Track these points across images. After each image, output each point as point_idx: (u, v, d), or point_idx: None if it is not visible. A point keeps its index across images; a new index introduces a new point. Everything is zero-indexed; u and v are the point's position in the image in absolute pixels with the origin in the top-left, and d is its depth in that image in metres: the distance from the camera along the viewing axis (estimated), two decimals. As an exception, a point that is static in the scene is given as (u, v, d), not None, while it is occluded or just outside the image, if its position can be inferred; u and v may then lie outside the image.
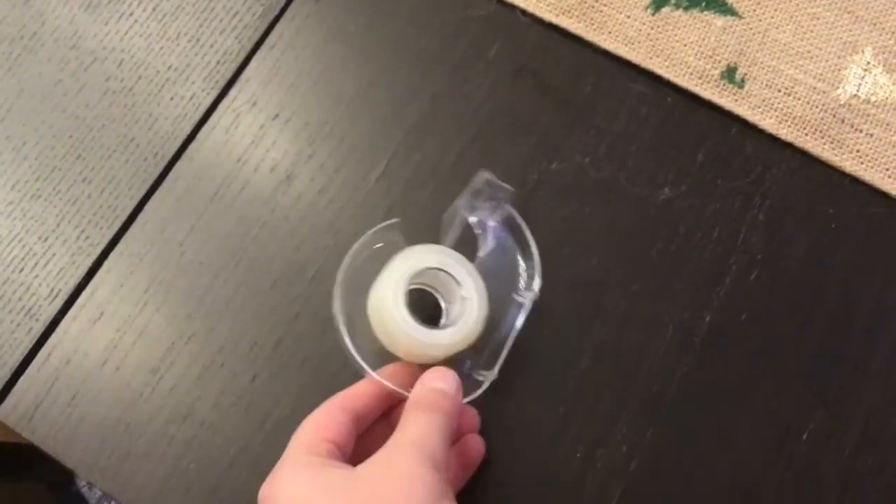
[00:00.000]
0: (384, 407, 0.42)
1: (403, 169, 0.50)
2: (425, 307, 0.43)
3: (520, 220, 0.45)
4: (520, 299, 0.44)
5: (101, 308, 0.48)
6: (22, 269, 0.49)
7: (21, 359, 0.47)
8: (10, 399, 0.46)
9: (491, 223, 0.45)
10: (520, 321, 0.43)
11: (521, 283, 0.45)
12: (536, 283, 0.44)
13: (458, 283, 0.42)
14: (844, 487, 0.44)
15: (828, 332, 0.47)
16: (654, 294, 0.47)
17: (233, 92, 0.52)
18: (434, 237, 0.45)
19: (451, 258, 0.43)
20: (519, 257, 0.45)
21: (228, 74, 0.52)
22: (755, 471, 0.45)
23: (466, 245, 0.45)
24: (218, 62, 0.52)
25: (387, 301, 0.41)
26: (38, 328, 0.48)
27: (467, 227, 0.45)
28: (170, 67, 0.52)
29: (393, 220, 0.44)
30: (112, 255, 0.49)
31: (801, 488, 0.44)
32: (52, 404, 0.46)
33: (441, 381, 0.39)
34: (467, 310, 0.42)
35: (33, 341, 0.47)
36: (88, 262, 0.49)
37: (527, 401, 0.46)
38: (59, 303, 0.48)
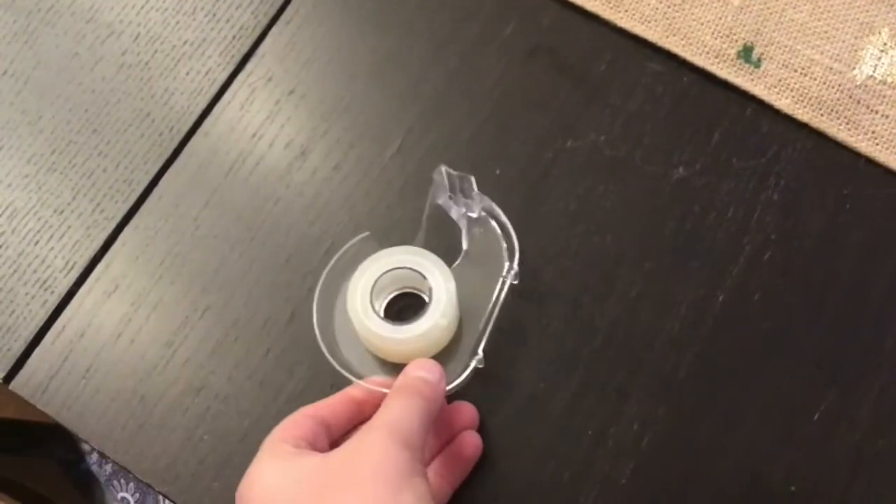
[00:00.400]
0: (358, 412, 0.41)
1: (418, 146, 0.50)
2: (420, 312, 0.43)
3: (496, 208, 0.45)
4: (501, 283, 0.44)
5: (116, 281, 0.48)
6: (37, 242, 0.49)
7: (36, 331, 0.47)
8: (25, 371, 0.47)
9: (470, 214, 0.45)
10: (499, 302, 0.43)
11: (504, 270, 0.45)
12: (514, 268, 0.44)
13: (423, 276, 0.43)
14: (856, 468, 0.44)
15: (841, 313, 0.47)
16: (667, 273, 0.47)
17: (248, 67, 0.52)
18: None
19: (417, 256, 0.43)
20: (503, 245, 0.45)
21: (244, 49, 0.52)
22: (766, 450, 0.45)
23: (450, 241, 0.45)
24: (234, 37, 0.52)
25: (354, 303, 0.42)
26: (53, 300, 0.48)
27: (442, 224, 0.45)
28: (186, 42, 0.52)
29: (364, 234, 0.44)
30: (127, 229, 0.49)
31: (813, 468, 0.44)
32: (66, 376, 0.46)
33: (422, 371, 0.40)
34: (434, 299, 0.42)
35: (48, 313, 0.48)
36: (104, 235, 0.49)
37: (538, 378, 0.46)
38: (74, 275, 0.48)
